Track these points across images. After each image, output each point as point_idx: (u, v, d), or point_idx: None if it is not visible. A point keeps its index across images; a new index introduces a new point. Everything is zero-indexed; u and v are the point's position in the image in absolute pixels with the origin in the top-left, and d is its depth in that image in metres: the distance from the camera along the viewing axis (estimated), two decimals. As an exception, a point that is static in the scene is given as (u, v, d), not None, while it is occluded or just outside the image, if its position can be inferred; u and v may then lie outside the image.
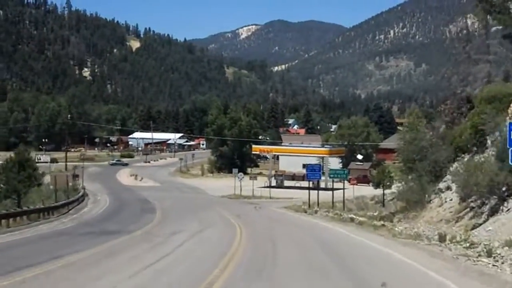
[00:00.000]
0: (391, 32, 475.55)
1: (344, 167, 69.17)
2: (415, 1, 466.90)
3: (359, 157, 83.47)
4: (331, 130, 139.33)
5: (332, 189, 45.79)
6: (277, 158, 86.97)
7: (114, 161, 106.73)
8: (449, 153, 26.78)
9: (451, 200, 23.57)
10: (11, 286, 10.61)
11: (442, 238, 17.17)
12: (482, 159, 21.33)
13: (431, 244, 16.64)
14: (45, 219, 30.05)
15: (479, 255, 13.69)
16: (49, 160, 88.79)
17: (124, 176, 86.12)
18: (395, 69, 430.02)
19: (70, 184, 44.05)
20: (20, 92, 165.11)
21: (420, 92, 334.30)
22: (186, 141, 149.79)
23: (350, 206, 43.64)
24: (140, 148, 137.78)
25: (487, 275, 11.42)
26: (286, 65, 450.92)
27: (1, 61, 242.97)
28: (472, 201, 20.91)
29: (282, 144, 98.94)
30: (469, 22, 38.87)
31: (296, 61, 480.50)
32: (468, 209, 20.93)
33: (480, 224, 18.54)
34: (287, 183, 72.84)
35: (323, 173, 56.88)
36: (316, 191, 43.51)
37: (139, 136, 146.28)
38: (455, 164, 24.90)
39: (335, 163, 74.83)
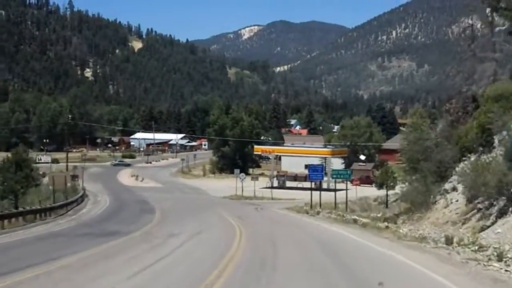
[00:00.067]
0: (393, 32, 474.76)
1: (347, 168, 68.63)
2: (417, 2, 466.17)
3: (362, 157, 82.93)
4: (334, 130, 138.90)
5: (335, 190, 45.14)
6: (279, 158, 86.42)
7: (117, 162, 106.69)
8: (455, 153, 26.18)
9: (457, 201, 22.94)
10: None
11: (449, 241, 16.58)
12: (490, 158, 20.70)
13: (438, 247, 16.03)
14: (41, 220, 29.51)
15: (489, 259, 13.08)
16: (50, 161, 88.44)
17: (125, 177, 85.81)
18: (398, 69, 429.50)
19: (69, 184, 43.46)
20: (22, 93, 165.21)
21: (422, 92, 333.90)
22: (188, 142, 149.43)
23: (353, 207, 43.06)
24: (141, 149, 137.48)
25: (500, 282, 10.78)
26: (288, 65, 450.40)
27: (3, 62, 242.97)
28: (479, 202, 20.28)
29: (284, 144, 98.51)
30: (473, 20, 38.32)
31: (298, 61, 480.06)
32: (475, 210, 20.31)
33: (488, 226, 17.91)
34: (289, 183, 72.32)
35: (326, 173, 56.40)
36: (318, 192, 42.96)
37: (141, 136, 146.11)
38: (461, 164, 24.27)
39: (337, 163, 74.33)
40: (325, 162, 67.96)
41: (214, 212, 38.79)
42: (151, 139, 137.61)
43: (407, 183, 31.06)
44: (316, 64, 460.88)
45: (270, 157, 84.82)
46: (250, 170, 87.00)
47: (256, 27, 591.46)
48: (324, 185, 56.87)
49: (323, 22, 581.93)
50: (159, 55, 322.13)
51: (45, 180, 47.61)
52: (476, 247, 14.99)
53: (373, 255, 15.73)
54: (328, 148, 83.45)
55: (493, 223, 17.92)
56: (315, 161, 63.37)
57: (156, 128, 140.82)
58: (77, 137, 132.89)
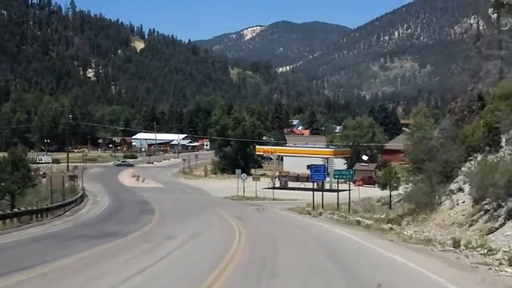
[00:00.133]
0: (396, 33, 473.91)
1: (349, 168, 68.03)
2: (419, 2, 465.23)
3: (364, 158, 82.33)
4: (336, 131, 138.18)
5: (337, 191, 44.52)
6: (281, 159, 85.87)
7: (119, 162, 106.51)
8: (461, 152, 25.49)
9: (463, 202, 22.26)
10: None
11: (456, 244, 15.94)
12: (498, 158, 20.06)
13: (445, 250, 15.40)
14: (38, 221, 28.96)
15: (500, 263, 12.45)
16: (50, 161, 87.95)
17: (126, 177, 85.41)
18: (400, 70, 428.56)
19: (67, 185, 42.93)
20: (23, 93, 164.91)
21: (424, 93, 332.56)
22: (190, 142, 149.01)
23: (356, 208, 42.43)
24: (143, 149, 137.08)
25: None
26: (291, 66, 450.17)
27: (5, 62, 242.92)
28: (486, 204, 19.60)
29: (286, 145, 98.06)
30: (478, 18, 37.69)
31: (301, 62, 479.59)
32: (483, 211, 19.63)
33: (497, 228, 17.25)
34: (291, 184, 71.72)
35: (328, 174, 55.82)
36: (320, 193, 42.39)
37: (142, 137, 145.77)
38: (468, 164, 23.60)
39: (340, 164, 73.87)
40: (327, 162, 67.40)
41: (215, 213, 38.32)
42: (152, 139, 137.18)
43: (411, 184, 30.37)
44: (318, 64, 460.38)
45: (272, 158, 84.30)
46: (252, 171, 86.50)
47: (258, 27, 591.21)
48: (326, 186, 56.36)
49: (325, 22, 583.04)
50: (161, 56, 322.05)
51: (45, 180, 47.19)
52: (485, 251, 14.36)
53: (376, 257, 15.20)
54: (330, 148, 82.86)
55: (501, 225, 17.26)
56: (317, 161, 62.67)
57: (158, 128, 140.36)
58: (78, 137, 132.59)
